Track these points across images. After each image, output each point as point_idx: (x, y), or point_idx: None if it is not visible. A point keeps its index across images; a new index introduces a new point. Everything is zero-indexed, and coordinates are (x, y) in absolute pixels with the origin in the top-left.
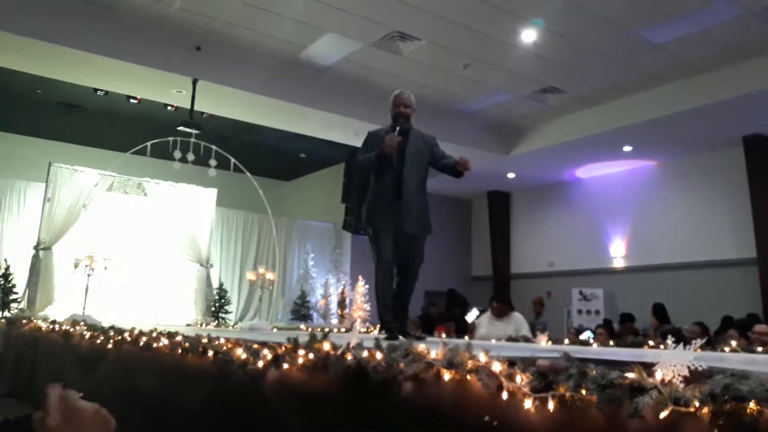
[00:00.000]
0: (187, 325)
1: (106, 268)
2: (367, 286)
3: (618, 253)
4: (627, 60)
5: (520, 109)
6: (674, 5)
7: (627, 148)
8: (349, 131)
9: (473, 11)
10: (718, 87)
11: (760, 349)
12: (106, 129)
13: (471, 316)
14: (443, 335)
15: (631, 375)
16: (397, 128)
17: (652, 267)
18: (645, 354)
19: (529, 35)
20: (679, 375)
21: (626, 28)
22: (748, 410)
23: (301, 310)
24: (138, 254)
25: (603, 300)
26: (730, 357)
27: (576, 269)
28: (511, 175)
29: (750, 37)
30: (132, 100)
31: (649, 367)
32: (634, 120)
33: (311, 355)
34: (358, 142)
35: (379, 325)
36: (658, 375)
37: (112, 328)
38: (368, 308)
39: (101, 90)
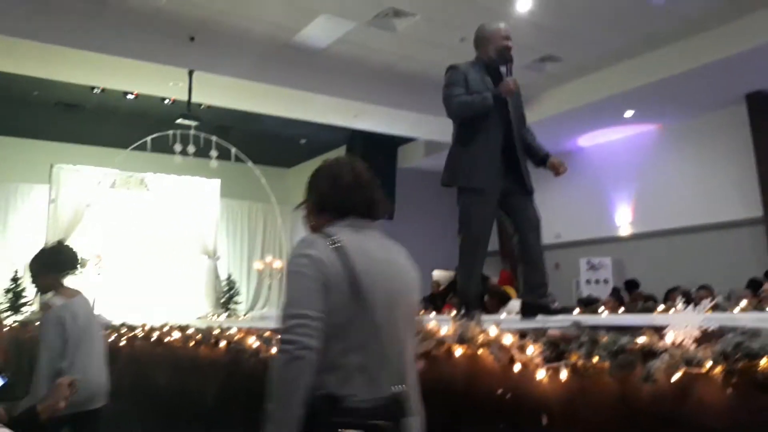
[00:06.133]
0: (198, 318)
1: (110, 266)
2: None
3: (624, 220)
4: (623, 23)
5: (519, 80)
6: None
7: (628, 114)
8: (348, 113)
9: None
10: (717, 45)
11: None
12: (105, 126)
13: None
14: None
15: (642, 339)
16: (509, 67)
17: (659, 232)
18: (655, 318)
19: (524, 3)
20: (690, 336)
21: None
22: (761, 367)
23: None
24: (145, 250)
25: (611, 269)
26: (741, 317)
27: (583, 239)
28: None
29: None
30: (129, 96)
31: (659, 331)
32: (634, 84)
33: None
34: (357, 124)
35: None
36: (669, 338)
37: (123, 325)
38: None
39: (98, 87)
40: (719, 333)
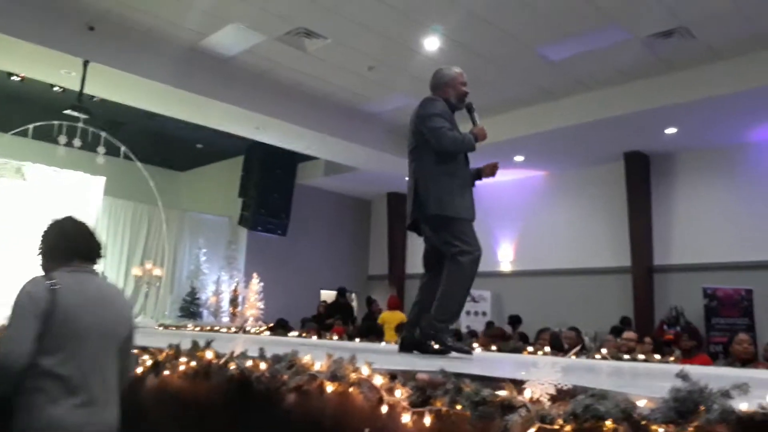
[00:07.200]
0: None
1: None
2: (262, 284)
3: (506, 257)
4: (523, 74)
5: None
6: (571, 26)
7: (519, 158)
8: (249, 124)
9: (380, 15)
10: (604, 105)
11: (626, 356)
12: None
13: None
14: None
15: (502, 392)
16: (475, 114)
17: (536, 272)
18: (523, 362)
19: (432, 43)
20: (546, 393)
21: (525, 43)
22: (605, 428)
23: (190, 308)
24: (13, 244)
25: (491, 302)
26: (600, 365)
27: None
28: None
29: (635, 61)
30: (14, 78)
31: (520, 385)
32: (526, 132)
33: (193, 363)
34: (258, 136)
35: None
36: (528, 393)
37: None
38: (262, 306)
39: None
40: (573, 392)
